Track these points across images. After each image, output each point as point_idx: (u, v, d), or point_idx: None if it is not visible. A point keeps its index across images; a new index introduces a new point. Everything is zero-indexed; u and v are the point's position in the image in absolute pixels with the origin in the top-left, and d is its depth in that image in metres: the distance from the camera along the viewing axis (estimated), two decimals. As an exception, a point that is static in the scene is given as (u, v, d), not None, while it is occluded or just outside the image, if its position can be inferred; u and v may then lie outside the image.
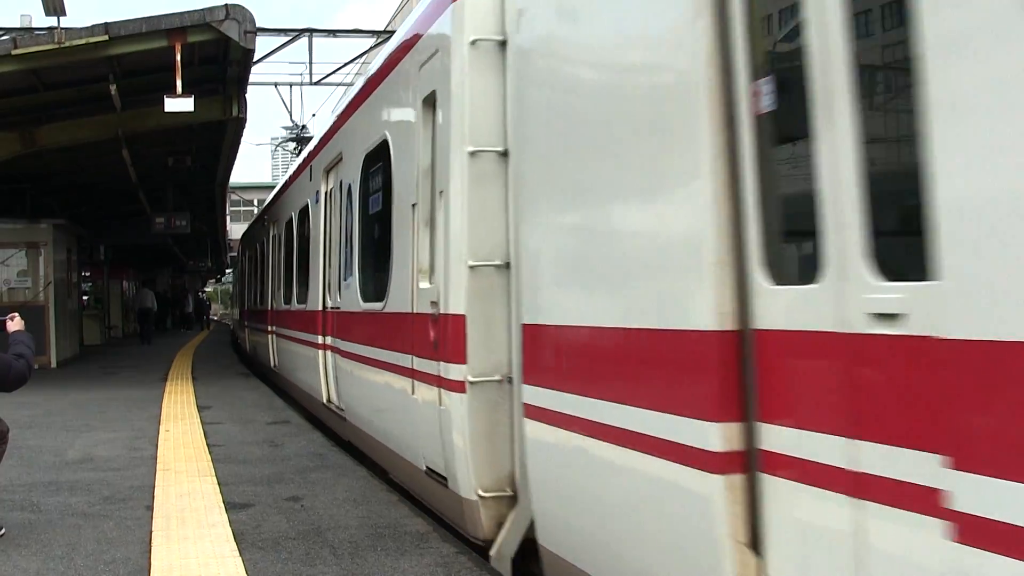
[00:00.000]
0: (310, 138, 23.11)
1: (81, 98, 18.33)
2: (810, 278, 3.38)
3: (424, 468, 7.38)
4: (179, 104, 16.32)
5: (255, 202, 58.34)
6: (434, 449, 7.02)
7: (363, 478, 8.99)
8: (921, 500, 2.92)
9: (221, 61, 17.22)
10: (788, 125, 3.53)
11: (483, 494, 6.35)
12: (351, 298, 10.44)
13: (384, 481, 8.91)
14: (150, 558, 6.34)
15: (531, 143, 5.56)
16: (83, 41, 15.22)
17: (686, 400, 3.93)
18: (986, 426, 2.72)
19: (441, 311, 6.69)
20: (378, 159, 9.07)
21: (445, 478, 6.82)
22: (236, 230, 47.81)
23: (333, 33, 27.57)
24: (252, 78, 18.60)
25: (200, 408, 14.49)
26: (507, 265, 6.27)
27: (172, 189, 27.16)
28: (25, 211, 24.38)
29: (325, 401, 12.29)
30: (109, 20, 15.35)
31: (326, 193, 12.56)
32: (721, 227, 3.72)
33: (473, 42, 6.43)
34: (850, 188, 3.16)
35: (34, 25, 22.88)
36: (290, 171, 18.52)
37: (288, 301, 16.35)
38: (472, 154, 6.36)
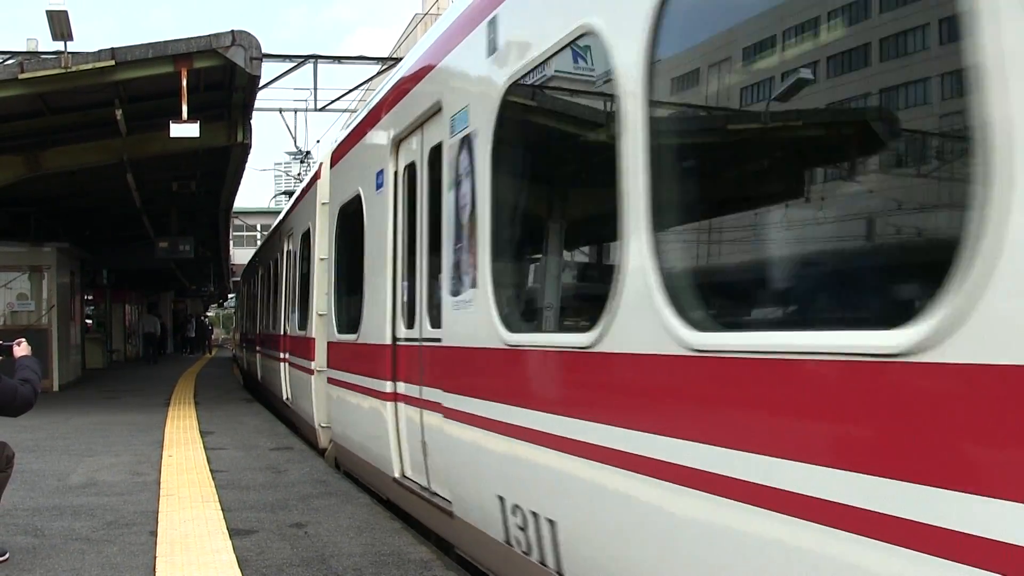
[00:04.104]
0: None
1: (86, 122, 18.39)
2: (413, 327, 7.83)
3: None
4: (184, 129, 16.36)
5: (258, 227, 58.50)
6: None
7: (366, 505, 8.96)
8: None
9: (227, 87, 17.29)
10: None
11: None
12: None
13: (387, 509, 8.89)
14: (154, 584, 6.33)
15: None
16: (89, 66, 15.30)
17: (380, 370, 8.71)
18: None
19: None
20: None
21: None
22: (239, 255, 47.87)
23: (338, 60, 27.67)
24: (257, 103, 18.65)
25: (203, 433, 14.47)
26: None
27: (176, 214, 27.18)
28: (29, 234, 24.43)
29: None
30: (116, 45, 15.44)
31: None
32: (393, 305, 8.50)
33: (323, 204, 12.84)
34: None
35: (40, 49, 22.93)
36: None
37: None
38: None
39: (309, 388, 13.34)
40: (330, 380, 11.34)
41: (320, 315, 12.63)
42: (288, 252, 17.20)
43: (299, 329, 14.86)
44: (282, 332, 17.36)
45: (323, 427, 12.67)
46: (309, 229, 14.10)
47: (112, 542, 7.48)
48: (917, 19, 3.06)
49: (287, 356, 16.55)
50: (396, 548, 7.24)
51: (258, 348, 23.60)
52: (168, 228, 27.53)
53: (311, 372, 13.21)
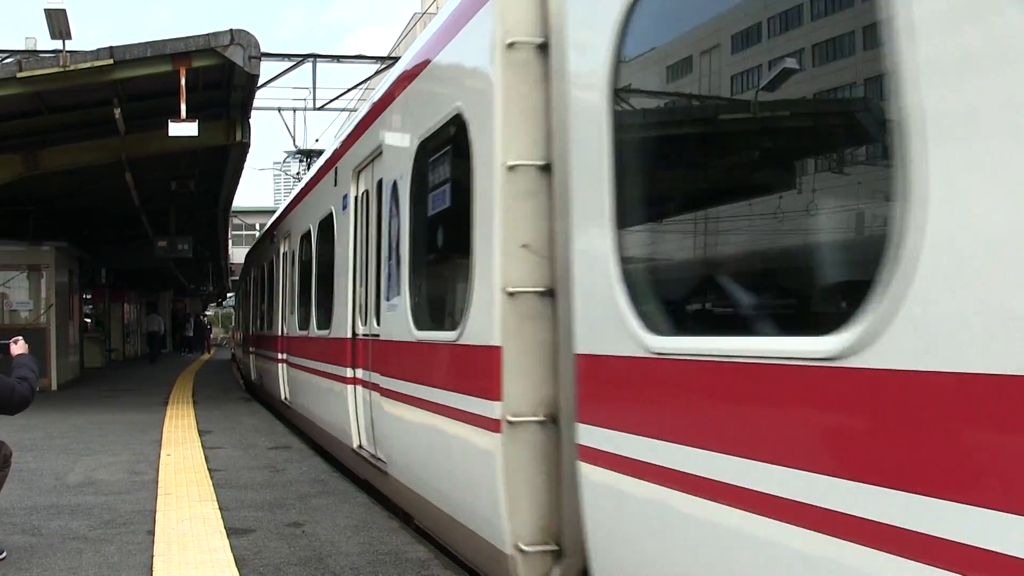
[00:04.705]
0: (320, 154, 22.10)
1: (85, 121, 18.37)
2: None
3: None
4: (183, 129, 16.34)
5: (257, 226, 58.49)
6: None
7: (364, 504, 8.95)
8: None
9: (225, 86, 17.28)
10: None
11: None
12: None
13: (385, 508, 8.88)
14: (151, 583, 6.32)
15: None
16: (88, 65, 15.28)
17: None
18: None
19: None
20: None
21: None
22: (238, 254, 47.88)
23: (337, 59, 27.67)
24: (256, 102, 18.66)
25: (201, 432, 14.46)
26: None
27: (175, 213, 27.19)
28: (27, 234, 24.41)
29: None
30: (114, 44, 15.41)
31: None
32: None
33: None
34: None
35: (39, 48, 22.94)
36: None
37: None
38: None
39: (480, 464, 5.99)
40: (605, 459, 4.62)
41: (511, 294, 5.67)
42: (359, 198, 10.60)
43: (418, 329, 7.56)
44: (349, 334, 10.59)
45: (528, 552, 5.50)
46: (458, 116, 6.43)
47: (110, 541, 7.48)
48: None
49: (361, 376, 10.03)
50: (394, 547, 7.23)
51: (282, 356, 17.12)
52: (167, 227, 27.52)
53: (484, 426, 5.86)
